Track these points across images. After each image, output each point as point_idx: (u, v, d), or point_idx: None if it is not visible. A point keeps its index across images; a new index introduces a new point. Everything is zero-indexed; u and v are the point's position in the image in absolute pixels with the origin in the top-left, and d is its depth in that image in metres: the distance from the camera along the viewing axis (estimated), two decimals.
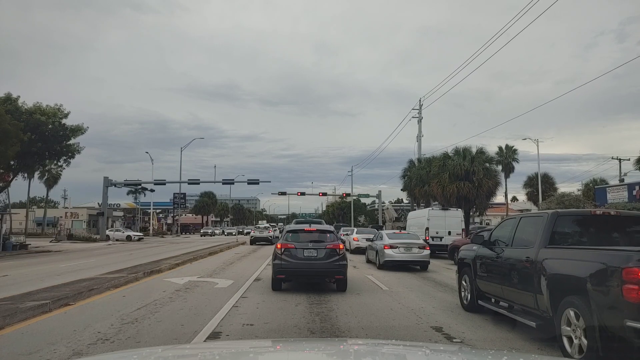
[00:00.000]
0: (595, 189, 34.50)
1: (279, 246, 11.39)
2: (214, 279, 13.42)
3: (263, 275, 14.46)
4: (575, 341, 5.37)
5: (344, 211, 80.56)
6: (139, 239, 49.70)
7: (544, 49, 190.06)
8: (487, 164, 33.85)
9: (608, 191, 29.67)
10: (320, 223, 21.66)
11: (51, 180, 62.27)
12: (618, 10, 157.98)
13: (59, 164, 38.02)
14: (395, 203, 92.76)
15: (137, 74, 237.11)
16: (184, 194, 75.72)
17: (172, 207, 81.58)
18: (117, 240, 47.36)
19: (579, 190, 49.31)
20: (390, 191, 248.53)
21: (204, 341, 6.42)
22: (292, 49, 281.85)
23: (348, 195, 72.65)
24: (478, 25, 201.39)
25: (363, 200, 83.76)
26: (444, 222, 24.85)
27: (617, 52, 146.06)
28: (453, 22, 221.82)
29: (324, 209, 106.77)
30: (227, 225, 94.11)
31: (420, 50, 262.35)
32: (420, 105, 44.98)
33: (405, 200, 74.14)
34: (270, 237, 37.15)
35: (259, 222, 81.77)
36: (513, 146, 49.95)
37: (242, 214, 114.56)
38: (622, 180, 43.80)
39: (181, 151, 62.29)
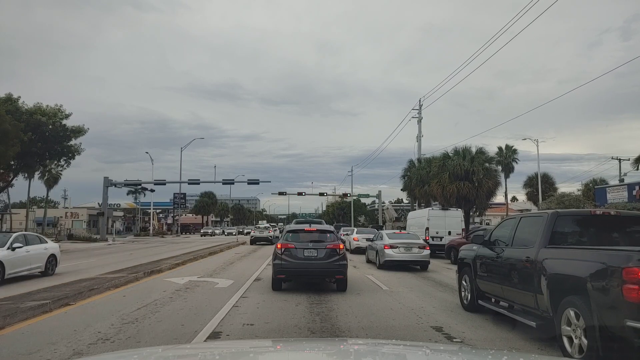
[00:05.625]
0: (595, 189, 34.51)
1: (279, 246, 11.40)
2: (214, 279, 13.43)
3: (263, 275, 14.47)
4: (576, 341, 5.37)
5: (344, 211, 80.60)
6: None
7: (547, 48, 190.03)
8: (487, 164, 33.89)
9: (608, 191, 29.68)
10: (320, 223, 21.65)
11: (51, 180, 62.14)
12: (624, 7, 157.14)
13: (60, 164, 38.06)
14: (395, 203, 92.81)
15: (137, 73, 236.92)
16: (184, 194, 75.69)
17: (172, 207, 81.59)
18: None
19: (579, 190, 49.31)
20: (390, 191, 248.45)
21: (204, 341, 6.43)
22: (295, 48, 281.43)
23: (348, 195, 72.68)
24: (482, 23, 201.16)
25: (363, 200, 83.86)
26: (444, 222, 24.87)
27: (621, 50, 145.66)
28: (456, 20, 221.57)
29: (324, 209, 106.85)
30: (227, 225, 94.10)
31: (423, 49, 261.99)
32: (420, 106, 44.99)
33: (405, 200, 74.19)
34: (270, 237, 37.17)
35: (259, 222, 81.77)
36: (513, 146, 50.04)
37: (242, 214, 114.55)
38: (622, 180, 43.79)
39: (181, 151, 62.37)
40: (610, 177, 49.48)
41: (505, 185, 51.66)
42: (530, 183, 53.97)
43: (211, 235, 64.42)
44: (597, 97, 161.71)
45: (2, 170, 31.37)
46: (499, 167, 41.74)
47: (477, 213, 49.25)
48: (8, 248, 12.79)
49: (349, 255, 13.41)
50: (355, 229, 31.97)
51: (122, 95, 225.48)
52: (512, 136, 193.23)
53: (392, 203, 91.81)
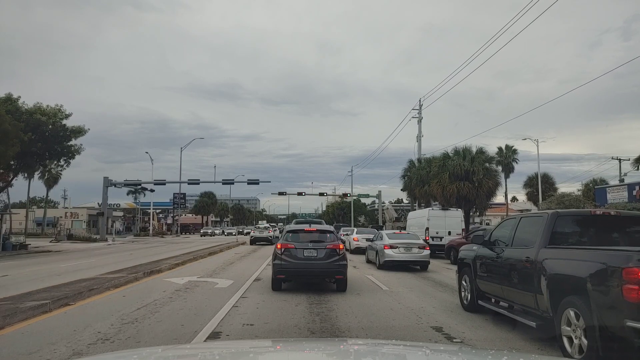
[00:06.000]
0: (595, 189, 34.51)
1: (279, 246, 11.40)
2: (214, 279, 13.42)
3: (263, 275, 14.46)
4: (576, 341, 5.37)
5: (344, 211, 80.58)
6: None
7: (547, 48, 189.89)
8: (487, 164, 33.90)
9: (608, 191, 29.69)
10: (320, 223, 21.64)
11: (51, 180, 62.27)
12: (624, 7, 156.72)
13: (60, 164, 38.03)
14: (395, 203, 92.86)
15: (137, 73, 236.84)
16: (184, 194, 75.72)
17: (172, 207, 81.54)
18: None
19: (579, 190, 49.34)
20: (390, 191, 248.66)
21: (204, 341, 6.42)
22: (295, 48, 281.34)
23: (348, 195, 72.69)
24: (482, 23, 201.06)
25: (363, 200, 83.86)
26: (444, 222, 24.87)
27: (621, 50, 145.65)
28: (456, 20, 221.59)
29: (324, 209, 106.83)
30: (227, 225, 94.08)
31: (423, 49, 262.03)
32: (420, 106, 45.01)
33: (405, 200, 74.26)
34: (270, 237, 37.16)
35: (259, 222, 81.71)
36: (513, 146, 50.14)
37: (242, 214, 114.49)
38: (622, 180, 43.80)
39: (181, 151, 62.37)
40: (610, 177, 49.57)
41: (505, 185, 51.76)
42: (531, 183, 53.99)
43: (211, 236, 64.41)
44: (597, 97, 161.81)
45: (2, 170, 31.31)
46: (499, 167, 41.79)
47: (477, 213, 49.25)
48: None
49: (349, 256, 13.40)
50: (355, 229, 31.96)
51: (122, 95, 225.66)
52: (512, 136, 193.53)
53: (392, 203, 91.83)
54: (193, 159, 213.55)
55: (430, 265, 17.41)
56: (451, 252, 20.57)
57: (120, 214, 79.67)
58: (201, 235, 66.69)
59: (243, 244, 37.19)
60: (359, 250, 24.58)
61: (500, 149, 49.18)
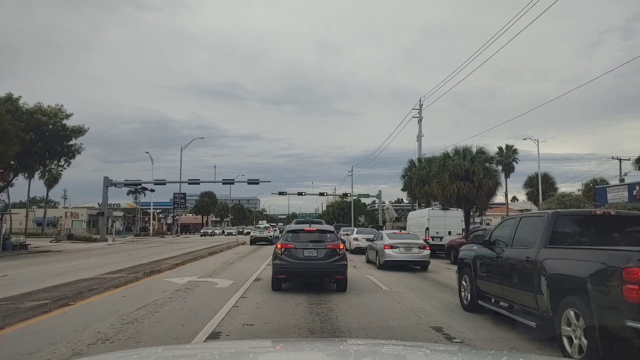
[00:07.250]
0: (595, 189, 34.52)
1: (279, 246, 11.40)
2: (214, 279, 13.43)
3: (263, 275, 14.46)
4: (575, 341, 5.37)
5: (344, 211, 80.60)
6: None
7: (548, 47, 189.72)
8: (487, 164, 33.89)
9: (608, 191, 29.71)
10: (320, 223, 21.66)
11: (51, 180, 62.25)
12: (625, 7, 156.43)
13: (60, 164, 38.05)
14: (395, 203, 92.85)
15: (138, 73, 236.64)
16: (184, 194, 75.77)
17: (172, 207, 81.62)
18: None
19: (579, 190, 49.30)
20: (391, 191, 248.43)
21: (204, 341, 6.42)
22: (295, 47, 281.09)
23: (348, 195, 72.68)
24: (482, 23, 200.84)
25: (363, 200, 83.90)
26: (444, 222, 24.87)
27: (622, 50, 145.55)
28: (456, 20, 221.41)
29: (324, 209, 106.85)
30: (227, 225, 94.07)
31: (423, 49, 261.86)
32: (421, 105, 45.01)
33: (405, 200, 74.26)
34: (270, 237, 37.18)
35: (259, 222, 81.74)
36: (513, 146, 50.18)
37: (242, 214, 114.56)
38: (622, 180, 43.80)
39: (181, 151, 62.35)
40: (611, 177, 49.55)
41: (506, 185, 51.80)
42: (531, 183, 53.97)
43: (211, 235, 64.39)
44: (597, 97, 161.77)
45: (2, 170, 31.33)
46: (500, 167, 41.82)
47: (477, 213, 49.24)
48: None
49: (349, 256, 13.40)
50: (355, 229, 31.94)
51: (122, 95, 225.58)
52: (513, 136, 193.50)
53: (392, 203, 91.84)
54: (193, 159, 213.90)
55: (430, 265, 17.41)
56: (451, 252, 20.57)
57: (121, 214, 79.70)
58: (201, 235, 66.68)
59: (243, 244, 37.20)
60: (359, 250, 24.57)
61: (500, 148, 49.24)
